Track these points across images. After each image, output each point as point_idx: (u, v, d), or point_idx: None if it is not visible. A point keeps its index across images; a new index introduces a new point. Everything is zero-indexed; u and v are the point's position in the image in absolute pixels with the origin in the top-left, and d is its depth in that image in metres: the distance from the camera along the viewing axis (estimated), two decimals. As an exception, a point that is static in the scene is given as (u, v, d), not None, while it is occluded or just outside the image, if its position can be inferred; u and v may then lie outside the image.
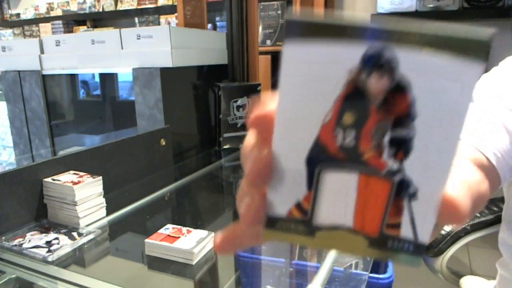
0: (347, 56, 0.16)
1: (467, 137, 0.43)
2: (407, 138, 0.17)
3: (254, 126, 0.21)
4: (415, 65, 0.16)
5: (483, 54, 0.15)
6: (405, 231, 0.19)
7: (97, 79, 1.74)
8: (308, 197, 0.20)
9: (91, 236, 0.75)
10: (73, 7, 3.44)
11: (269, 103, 0.20)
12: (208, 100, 1.46)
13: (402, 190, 0.18)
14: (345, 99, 0.17)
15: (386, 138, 0.18)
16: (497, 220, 0.93)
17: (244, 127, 1.43)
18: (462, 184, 0.19)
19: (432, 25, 0.16)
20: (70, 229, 0.77)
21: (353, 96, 0.17)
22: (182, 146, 1.35)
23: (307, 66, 0.17)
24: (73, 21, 3.43)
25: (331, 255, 0.67)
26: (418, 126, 0.17)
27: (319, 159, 0.19)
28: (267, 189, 0.20)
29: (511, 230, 0.59)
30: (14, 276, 0.64)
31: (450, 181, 0.19)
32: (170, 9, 2.96)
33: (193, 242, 0.67)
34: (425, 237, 0.19)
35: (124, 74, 1.51)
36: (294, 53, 0.17)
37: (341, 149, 0.18)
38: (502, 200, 0.62)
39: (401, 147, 0.18)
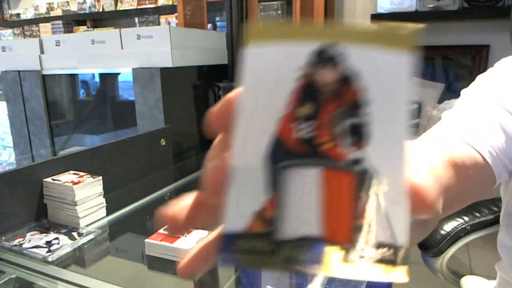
0: (299, 54, 0.18)
1: (467, 136, 0.43)
2: (363, 124, 0.18)
3: (215, 123, 0.19)
4: (360, 58, 0.18)
5: (408, 46, 0.18)
6: (379, 233, 0.18)
7: (97, 79, 1.74)
8: (269, 203, 0.18)
9: (91, 236, 0.75)
10: (73, 7, 3.44)
11: (229, 100, 0.19)
12: (208, 100, 1.46)
13: (367, 182, 0.18)
14: (300, 92, 0.18)
15: (344, 127, 0.18)
16: (497, 220, 0.93)
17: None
18: (429, 172, 0.19)
19: (369, 24, 0.18)
20: (70, 229, 0.77)
21: (308, 88, 0.18)
22: (182, 146, 1.35)
23: (265, 65, 0.19)
24: (73, 21, 3.43)
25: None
26: (372, 113, 0.18)
27: (279, 156, 0.18)
28: (223, 201, 0.18)
29: (509, 232, 0.59)
30: (14, 276, 0.64)
31: (416, 170, 0.18)
32: (170, 9, 2.96)
33: (193, 242, 0.67)
34: (402, 237, 0.18)
35: (124, 74, 1.51)
36: (255, 54, 0.19)
37: (300, 141, 0.18)
38: (501, 200, 0.62)
39: (359, 135, 0.18)
